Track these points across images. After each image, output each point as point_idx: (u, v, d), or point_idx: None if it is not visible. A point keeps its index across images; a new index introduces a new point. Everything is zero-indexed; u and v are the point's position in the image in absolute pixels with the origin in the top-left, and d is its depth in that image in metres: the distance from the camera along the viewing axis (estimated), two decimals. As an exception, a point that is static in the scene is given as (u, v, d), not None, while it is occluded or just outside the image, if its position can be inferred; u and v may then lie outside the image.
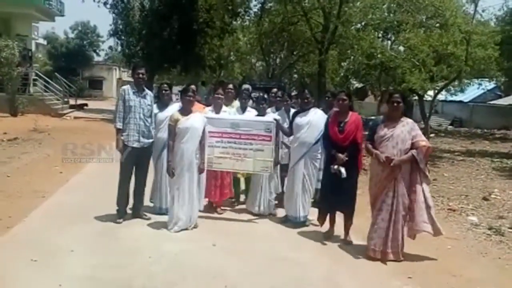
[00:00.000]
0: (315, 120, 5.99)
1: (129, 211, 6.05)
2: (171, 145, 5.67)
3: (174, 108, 6.13)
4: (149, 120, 5.92)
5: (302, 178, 6.06)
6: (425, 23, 16.42)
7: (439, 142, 18.37)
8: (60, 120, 19.20)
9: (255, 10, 19.99)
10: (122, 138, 5.79)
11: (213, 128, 6.12)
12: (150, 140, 5.97)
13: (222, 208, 6.66)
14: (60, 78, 24.19)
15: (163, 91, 6.43)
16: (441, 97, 25.73)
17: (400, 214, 4.87)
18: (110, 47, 28.89)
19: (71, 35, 48.25)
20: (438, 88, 19.18)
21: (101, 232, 5.44)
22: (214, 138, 6.15)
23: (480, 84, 25.21)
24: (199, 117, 5.83)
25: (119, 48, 26.73)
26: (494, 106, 29.77)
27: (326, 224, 5.72)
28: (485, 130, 25.42)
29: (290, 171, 6.21)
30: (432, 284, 4.44)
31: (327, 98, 7.02)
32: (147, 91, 5.99)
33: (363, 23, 17.27)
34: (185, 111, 5.76)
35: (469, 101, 31.44)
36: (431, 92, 19.88)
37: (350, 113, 5.50)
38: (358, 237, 5.51)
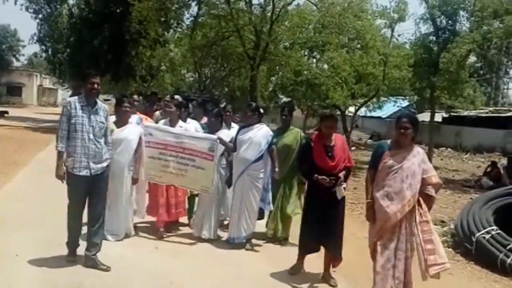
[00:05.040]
0: (256, 137, 5.64)
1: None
2: None
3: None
4: (101, 141, 4.70)
5: (240, 197, 5.71)
6: (347, 44, 17.77)
7: (359, 155, 19.69)
8: (-20, 128, 18.28)
9: (188, 23, 20.40)
10: (66, 164, 4.60)
11: (157, 139, 5.82)
12: (104, 165, 4.75)
13: (167, 233, 6.01)
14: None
15: None
16: (361, 112, 27.57)
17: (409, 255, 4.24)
18: (35, 54, 27.80)
19: (-12, 39, 45.66)
20: (358, 104, 20.68)
21: (44, 238, 5.37)
22: (158, 150, 5.82)
23: (395, 102, 27.36)
24: (135, 128, 5.67)
25: (44, 55, 25.92)
26: (408, 122, 32.17)
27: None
28: (400, 144, 27.37)
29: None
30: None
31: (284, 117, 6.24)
32: (100, 104, 4.77)
33: (291, 42, 18.26)
34: (121, 122, 5.57)
35: (387, 117, 33.82)
36: (352, 108, 21.37)
37: (334, 134, 4.86)
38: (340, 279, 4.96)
